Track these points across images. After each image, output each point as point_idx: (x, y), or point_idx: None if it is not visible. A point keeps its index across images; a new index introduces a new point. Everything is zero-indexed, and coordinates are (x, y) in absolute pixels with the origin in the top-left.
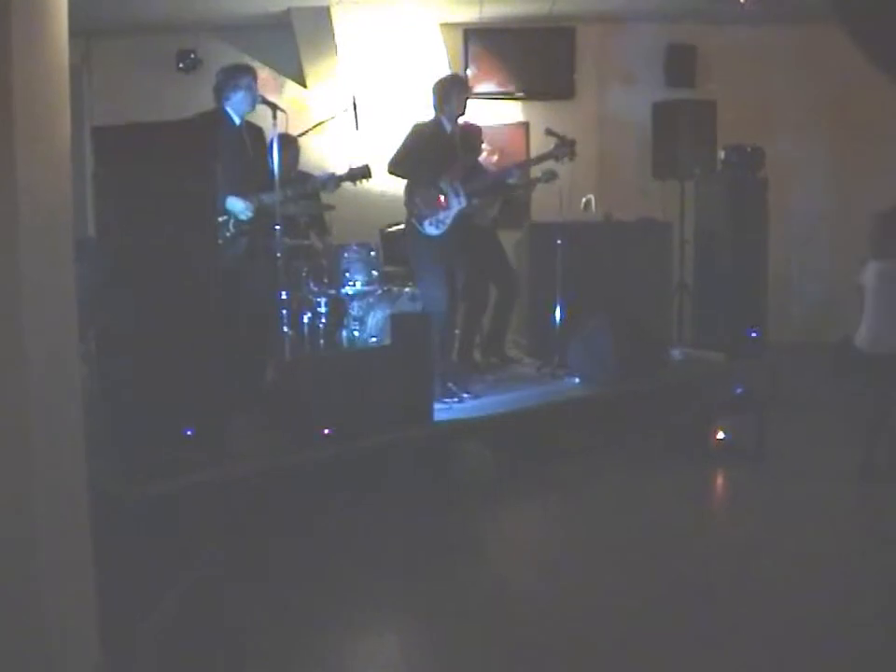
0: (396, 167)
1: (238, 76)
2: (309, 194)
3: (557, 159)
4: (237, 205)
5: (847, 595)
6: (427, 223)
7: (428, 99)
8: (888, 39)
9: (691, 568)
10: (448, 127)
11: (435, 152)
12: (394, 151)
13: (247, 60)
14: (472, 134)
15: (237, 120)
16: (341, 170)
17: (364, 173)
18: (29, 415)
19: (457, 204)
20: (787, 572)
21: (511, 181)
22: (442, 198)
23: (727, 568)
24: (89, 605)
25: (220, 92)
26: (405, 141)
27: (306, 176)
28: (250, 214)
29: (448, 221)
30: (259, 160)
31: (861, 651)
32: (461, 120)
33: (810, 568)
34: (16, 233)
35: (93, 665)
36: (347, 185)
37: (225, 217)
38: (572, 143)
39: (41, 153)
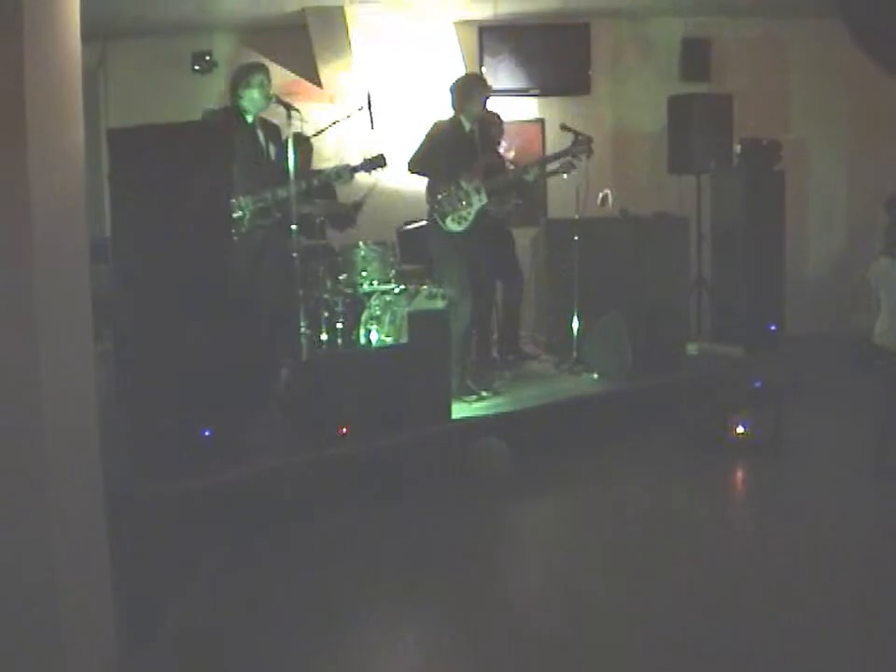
0: (416, 165)
1: (251, 74)
2: (323, 189)
3: (574, 156)
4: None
5: (866, 588)
6: (449, 220)
7: (446, 97)
8: (890, 39)
9: (709, 561)
10: (467, 125)
11: (455, 150)
12: (414, 150)
13: (262, 60)
14: (490, 125)
15: (250, 118)
16: (355, 162)
17: (379, 162)
18: (43, 416)
19: (479, 202)
20: (805, 566)
21: (528, 178)
22: (464, 195)
23: (746, 562)
24: (105, 603)
25: (234, 90)
26: (425, 139)
27: (318, 171)
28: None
29: (470, 218)
30: (273, 157)
31: (877, 644)
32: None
33: (828, 563)
34: (30, 234)
35: (109, 661)
36: (363, 183)
37: (241, 213)
38: (589, 140)
39: (54, 156)
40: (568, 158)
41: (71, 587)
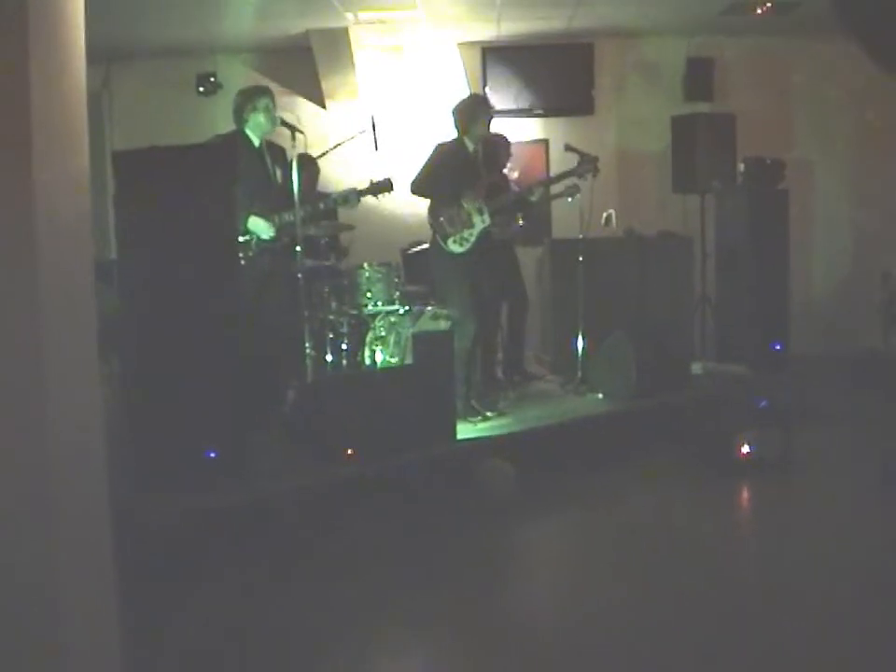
0: (419, 187)
1: (256, 98)
2: (329, 212)
3: (580, 176)
4: (259, 225)
5: (873, 608)
6: (451, 241)
7: (449, 119)
8: (889, 39)
9: (716, 582)
10: (471, 146)
11: (458, 171)
12: (417, 171)
13: (267, 82)
14: (498, 146)
15: (256, 142)
16: (362, 186)
17: (386, 186)
18: (49, 438)
19: (481, 223)
20: (813, 587)
21: (532, 198)
22: (466, 217)
23: (752, 582)
24: (110, 624)
25: (239, 115)
26: (428, 161)
27: (325, 195)
28: (272, 233)
29: (472, 239)
30: (279, 180)
31: (886, 662)
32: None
33: (837, 582)
34: (35, 255)
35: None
36: (368, 204)
37: (247, 238)
38: (595, 159)
39: (59, 177)
40: (574, 179)
41: (75, 610)
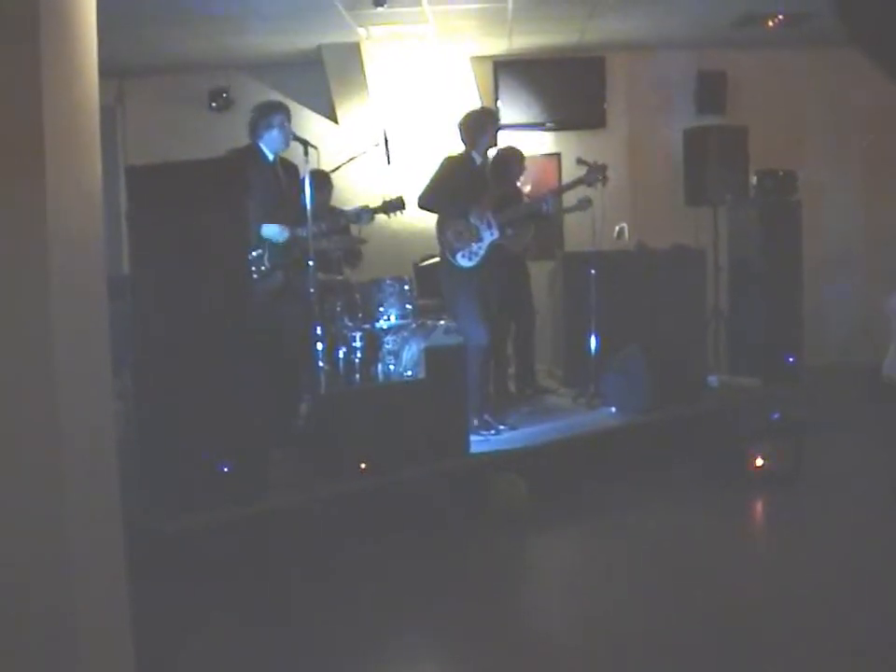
0: (426, 201)
1: (271, 114)
2: (342, 228)
3: (590, 184)
4: (272, 230)
5: (883, 618)
6: (459, 256)
7: (458, 132)
8: (890, 40)
9: (728, 595)
10: (478, 159)
11: (465, 185)
12: (424, 185)
13: (279, 97)
14: (511, 159)
15: (270, 157)
16: (374, 203)
17: (398, 205)
18: (62, 452)
19: (490, 236)
20: (825, 599)
21: (544, 209)
22: (474, 231)
23: (765, 595)
24: (125, 640)
25: (254, 129)
26: (435, 175)
27: (338, 212)
28: (286, 234)
29: (481, 253)
30: (293, 196)
31: None
32: (501, 145)
33: (849, 595)
34: (47, 270)
35: None
36: (381, 218)
37: (260, 251)
38: (604, 167)
39: (72, 191)
40: (585, 189)
41: (90, 624)
